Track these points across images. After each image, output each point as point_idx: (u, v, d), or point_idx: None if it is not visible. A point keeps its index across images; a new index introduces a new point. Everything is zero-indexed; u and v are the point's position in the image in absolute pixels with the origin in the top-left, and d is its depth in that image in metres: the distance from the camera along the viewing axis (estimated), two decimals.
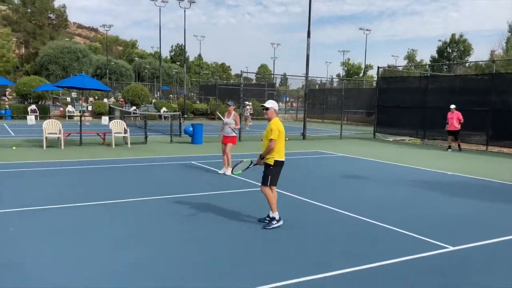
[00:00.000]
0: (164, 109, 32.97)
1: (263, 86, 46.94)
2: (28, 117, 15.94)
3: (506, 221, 7.10)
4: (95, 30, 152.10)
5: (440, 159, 15.17)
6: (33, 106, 29.14)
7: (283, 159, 6.41)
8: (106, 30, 66.27)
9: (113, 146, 15.54)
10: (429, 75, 23.96)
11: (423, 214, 7.44)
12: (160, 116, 31.35)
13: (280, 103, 52.87)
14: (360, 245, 5.74)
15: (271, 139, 6.22)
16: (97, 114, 29.80)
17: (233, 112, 11.03)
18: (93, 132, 16.81)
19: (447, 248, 5.64)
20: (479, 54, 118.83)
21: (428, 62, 51.53)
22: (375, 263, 5.04)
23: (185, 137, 18.53)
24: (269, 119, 6.40)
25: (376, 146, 15.02)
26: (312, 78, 46.44)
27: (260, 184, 6.44)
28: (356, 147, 17.92)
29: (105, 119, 16.34)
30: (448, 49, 54.47)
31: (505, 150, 18.49)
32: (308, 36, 21.42)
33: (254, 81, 64.20)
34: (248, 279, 4.51)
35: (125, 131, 16.18)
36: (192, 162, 12.51)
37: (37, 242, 5.46)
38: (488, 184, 10.57)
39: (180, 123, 20.24)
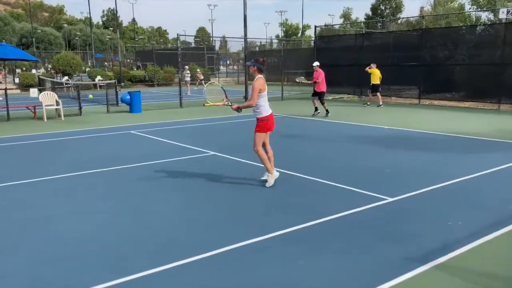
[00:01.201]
0: (98, 77, 31.44)
1: (202, 50, 45.91)
2: None
3: (441, 170, 7.49)
4: None
5: (376, 114, 15.70)
6: None
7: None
8: None
9: (45, 120, 14.65)
10: (364, 32, 24.42)
11: (362, 169, 7.69)
12: (94, 85, 29.92)
13: (221, 67, 52.13)
14: (298, 202, 5.84)
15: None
16: (25, 87, 27.88)
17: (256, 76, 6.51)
18: (22, 106, 15.73)
19: (386, 199, 5.88)
20: (410, 11, 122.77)
21: (363, 20, 52.48)
22: (313, 221, 5.13)
23: (123, 106, 17.83)
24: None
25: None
26: (252, 39, 45.89)
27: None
28: (296, 106, 18.12)
29: (33, 91, 15.28)
30: (381, 6, 55.62)
31: (435, 102, 19.50)
32: None
33: (193, 45, 62.60)
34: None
35: (57, 103, 15.27)
36: (131, 131, 12.08)
37: None
38: (423, 136, 11.10)
39: (116, 92, 19.39)
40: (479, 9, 26.93)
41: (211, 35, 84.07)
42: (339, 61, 22.71)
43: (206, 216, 5.37)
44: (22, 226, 5.10)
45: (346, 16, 75.64)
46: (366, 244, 4.47)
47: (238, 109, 6.66)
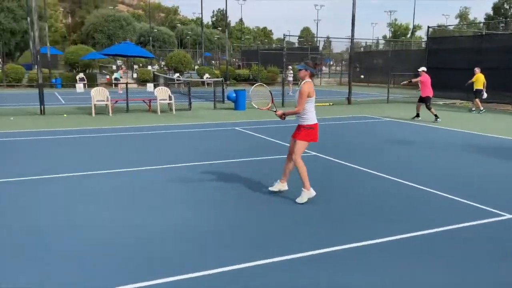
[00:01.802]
0: (206, 75, 33.09)
1: (306, 50, 45.93)
2: (76, 85, 16.43)
3: None
4: None
5: (495, 122, 14.40)
6: (81, 75, 30.03)
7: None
8: None
9: (159, 113, 15.80)
10: (484, 33, 22.51)
11: (477, 180, 7.11)
12: (203, 83, 31.51)
13: (324, 67, 51.66)
14: (408, 211, 5.57)
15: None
16: (141, 82, 30.34)
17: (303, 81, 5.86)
18: (139, 99, 17.14)
19: (504, 216, 5.37)
20: None
21: (483, 21, 48.39)
22: (427, 230, 4.86)
23: (228, 103, 18.55)
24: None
25: (425, 109, 14.42)
26: (358, 40, 44.89)
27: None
28: (404, 111, 17.31)
29: (150, 86, 16.58)
30: (505, 5, 50.78)
31: None
32: None
33: (296, 45, 62.95)
34: (293, 246, 4.48)
35: (170, 98, 16.37)
36: (236, 128, 12.52)
37: (91, 204, 5.65)
38: None
39: (223, 89, 20.24)
40: None
41: (315, 35, 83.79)
42: (453, 64, 21.20)
43: (313, 214, 5.38)
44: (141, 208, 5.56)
45: (462, 16, 70.45)
46: (479, 262, 4.13)
47: (283, 116, 5.97)
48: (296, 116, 5.87)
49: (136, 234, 4.71)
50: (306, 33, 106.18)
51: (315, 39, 64.74)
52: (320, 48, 51.63)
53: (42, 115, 14.64)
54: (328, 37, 52.27)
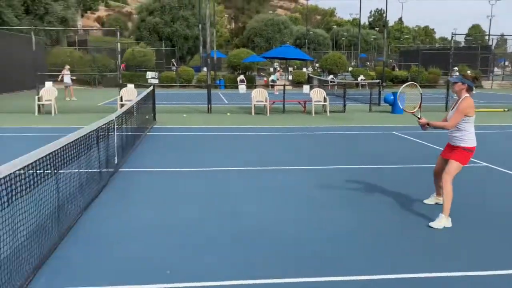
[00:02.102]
0: (361, 77, 32.40)
1: (475, 50, 41.67)
2: (239, 86, 17.65)
3: None
4: (295, 1, 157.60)
5: None
6: (242, 76, 32.12)
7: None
8: (307, 0, 67.95)
9: (313, 114, 16.01)
10: None
11: None
12: (357, 84, 30.96)
13: (496, 68, 46.24)
14: None
15: None
16: (296, 83, 31.16)
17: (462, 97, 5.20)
18: (295, 101, 17.63)
19: None
20: None
21: None
22: None
23: (384, 106, 17.86)
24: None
25: None
26: None
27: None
28: None
29: (306, 88, 16.93)
30: None
31: None
32: None
33: (462, 44, 57.58)
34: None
35: (325, 100, 16.45)
36: (393, 132, 11.98)
37: (252, 197, 5.99)
38: None
39: (379, 92, 19.57)
40: None
41: (486, 33, 75.38)
42: None
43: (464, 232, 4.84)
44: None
45: None
46: None
47: (426, 126, 5.27)
48: (451, 135, 5.20)
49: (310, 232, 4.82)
50: (475, 31, 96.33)
51: (487, 37, 58.17)
52: (493, 47, 46.29)
53: (209, 113, 16.09)
54: (502, 35, 46.55)
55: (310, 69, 47.55)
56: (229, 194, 6.28)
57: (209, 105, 16.36)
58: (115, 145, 7.37)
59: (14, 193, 3.28)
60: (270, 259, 4.16)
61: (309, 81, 28.56)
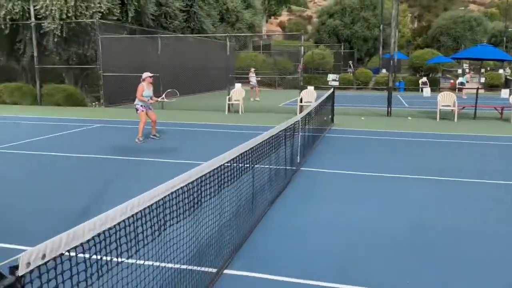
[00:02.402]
0: None
1: None
2: (424, 89, 16.59)
3: None
4: None
5: None
6: (424, 79, 30.14)
7: None
8: None
9: (511, 122, 14.07)
10: None
11: None
12: None
13: None
14: None
15: None
16: (489, 87, 27.84)
17: None
18: (490, 106, 15.75)
19: None
20: None
21: None
22: None
23: None
24: None
25: None
26: None
27: None
28: None
29: (505, 92, 14.98)
30: None
31: None
32: None
33: None
34: None
35: None
36: None
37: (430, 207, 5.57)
38: None
39: None
40: None
41: None
42: None
43: None
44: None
45: None
46: None
47: None
48: None
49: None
50: None
51: None
52: None
53: (389, 116, 15.53)
54: None
55: (508, 70, 41.93)
56: (411, 203, 5.95)
57: (389, 108, 15.79)
58: (299, 144, 7.70)
59: (222, 182, 3.70)
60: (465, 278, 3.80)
61: (506, 84, 25.18)
